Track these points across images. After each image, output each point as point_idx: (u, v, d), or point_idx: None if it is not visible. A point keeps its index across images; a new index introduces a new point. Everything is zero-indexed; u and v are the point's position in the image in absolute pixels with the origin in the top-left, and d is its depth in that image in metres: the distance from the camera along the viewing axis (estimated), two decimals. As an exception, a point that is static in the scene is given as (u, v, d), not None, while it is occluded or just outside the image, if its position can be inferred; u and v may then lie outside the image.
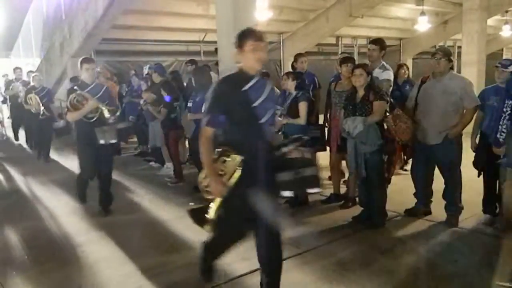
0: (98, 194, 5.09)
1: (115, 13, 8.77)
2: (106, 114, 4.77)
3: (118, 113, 5.14)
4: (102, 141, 4.72)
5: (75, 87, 4.84)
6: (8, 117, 11.94)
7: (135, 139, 9.06)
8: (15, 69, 10.66)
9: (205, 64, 7.58)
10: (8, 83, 10.32)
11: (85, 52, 10.42)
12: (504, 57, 18.59)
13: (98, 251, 4.07)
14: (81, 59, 4.98)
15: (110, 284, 3.46)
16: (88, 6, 9.16)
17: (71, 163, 7.17)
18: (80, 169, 5.07)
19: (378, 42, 4.96)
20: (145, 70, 8.24)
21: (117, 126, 5.16)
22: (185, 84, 7.34)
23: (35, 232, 4.62)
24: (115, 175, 6.94)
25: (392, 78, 4.87)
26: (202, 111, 5.66)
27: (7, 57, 16.66)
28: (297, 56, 5.83)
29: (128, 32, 10.64)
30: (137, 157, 8.38)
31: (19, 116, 9.98)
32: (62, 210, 5.32)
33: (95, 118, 4.75)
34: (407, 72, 6.57)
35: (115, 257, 3.94)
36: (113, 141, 4.92)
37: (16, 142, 10.85)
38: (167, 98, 6.15)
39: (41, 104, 7.89)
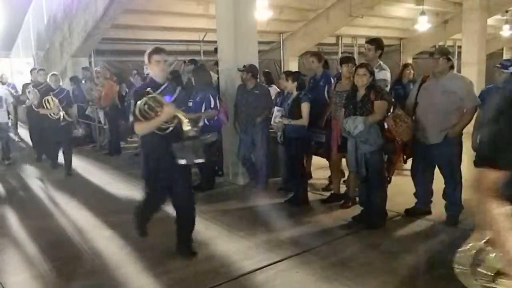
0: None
1: (115, 12, 8.77)
2: (186, 125, 3.44)
3: (201, 123, 4.33)
4: (183, 161, 3.51)
5: (148, 89, 3.55)
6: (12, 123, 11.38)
7: (135, 139, 9.05)
8: (39, 70, 8.27)
9: (201, 63, 7.59)
10: (24, 86, 8.40)
11: (85, 51, 10.43)
12: (505, 56, 18.59)
13: (99, 251, 4.06)
14: (150, 50, 3.76)
15: (111, 284, 3.46)
16: (88, 5, 9.15)
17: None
18: (145, 196, 3.90)
19: (373, 41, 4.96)
20: (146, 70, 8.23)
21: (204, 140, 4.11)
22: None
23: (35, 231, 4.62)
24: (115, 175, 7.00)
25: (388, 78, 4.87)
26: (202, 110, 5.68)
27: (7, 57, 16.65)
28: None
29: (128, 31, 10.63)
30: (138, 157, 8.37)
31: (36, 124, 8.07)
32: (65, 210, 5.32)
33: (170, 129, 3.52)
34: (412, 72, 6.58)
35: (116, 257, 3.94)
36: (199, 160, 3.66)
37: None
38: (167, 97, 6.13)
39: (60, 108, 6.74)
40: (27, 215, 5.18)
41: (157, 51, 3.72)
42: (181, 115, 3.47)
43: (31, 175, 7.26)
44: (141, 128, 3.58)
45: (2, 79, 10.23)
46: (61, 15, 11.35)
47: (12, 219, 5.07)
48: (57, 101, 6.75)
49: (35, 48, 13.83)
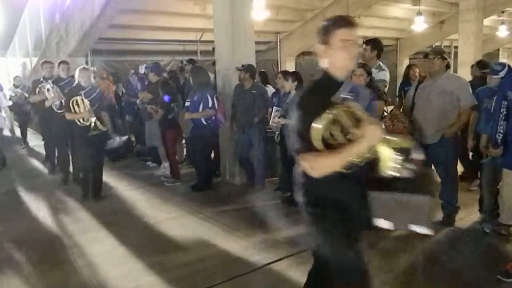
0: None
1: (111, 12, 8.74)
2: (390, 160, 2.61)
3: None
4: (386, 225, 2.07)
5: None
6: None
7: (132, 139, 9.05)
8: (43, 63, 6.84)
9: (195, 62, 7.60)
10: (35, 84, 6.76)
11: (82, 51, 10.40)
12: (500, 56, 18.68)
13: (95, 251, 4.06)
14: None
15: (107, 284, 3.46)
16: (85, 5, 9.12)
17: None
18: None
19: (369, 42, 4.97)
20: (141, 70, 8.23)
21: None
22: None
23: (33, 232, 4.61)
24: (113, 175, 6.99)
25: (388, 78, 4.88)
26: (200, 110, 5.68)
27: (3, 56, 16.58)
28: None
29: (125, 31, 10.60)
30: (134, 157, 8.37)
31: (50, 131, 6.77)
32: (59, 210, 5.31)
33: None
34: (417, 72, 6.63)
35: (112, 257, 3.94)
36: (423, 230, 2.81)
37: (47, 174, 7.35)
38: (165, 97, 6.15)
39: (93, 113, 5.34)
40: (22, 216, 5.17)
41: None
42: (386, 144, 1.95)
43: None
44: (321, 164, 2.00)
45: None
46: (57, 15, 11.31)
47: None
48: (88, 103, 5.34)
49: (31, 48, 13.78)
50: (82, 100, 5.29)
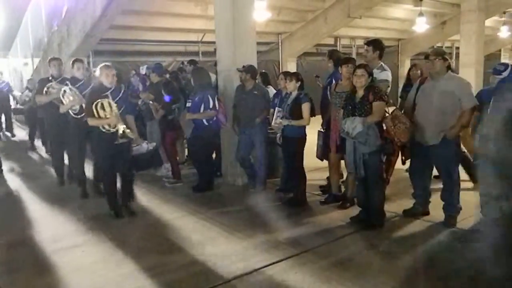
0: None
1: (113, 13, 8.76)
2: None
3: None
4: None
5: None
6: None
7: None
8: (51, 60, 6.11)
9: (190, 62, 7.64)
10: (42, 83, 5.89)
11: (84, 52, 10.42)
12: (502, 57, 18.66)
13: (97, 252, 4.06)
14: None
15: (108, 284, 3.46)
16: (87, 6, 9.14)
17: None
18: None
19: (371, 42, 4.97)
20: (142, 71, 8.22)
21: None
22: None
23: (32, 233, 4.61)
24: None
25: (390, 78, 4.88)
26: (201, 111, 5.68)
27: (5, 57, 16.61)
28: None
29: (127, 32, 10.62)
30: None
31: (61, 138, 6.03)
32: (60, 211, 5.32)
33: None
34: (418, 72, 6.61)
35: (114, 257, 3.93)
36: None
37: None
38: (167, 98, 6.15)
39: (120, 119, 4.65)
40: (21, 217, 5.18)
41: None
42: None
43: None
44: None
45: None
46: (59, 16, 11.33)
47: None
48: (116, 106, 4.63)
49: (33, 49, 13.81)
50: (109, 103, 4.55)
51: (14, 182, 6.84)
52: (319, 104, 5.49)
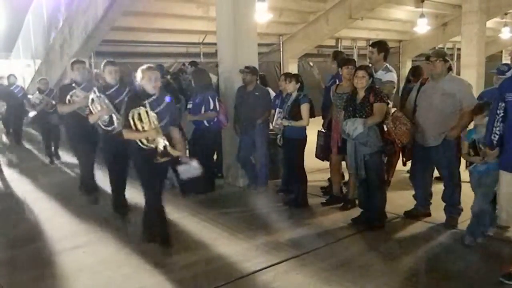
0: None
1: (115, 14, 8.78)
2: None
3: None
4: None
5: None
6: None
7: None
8: (74, 63, 5.56)
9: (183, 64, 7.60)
10: (64, 90, 5.31)
11: (85, 53, 10.43)
12: (503, 59, 18.62)
13: (99, 252, 4.07)
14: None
15: (110, 285, 3.47)
16: (88, 7, 9.17)
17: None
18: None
19: (375, 44, 4.99)
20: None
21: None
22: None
23: (34, 233, 4.62)
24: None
25: (395, 79, 4.89)
26: (202, 112, 5.69)
27: (7, 58, 16.63)
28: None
29: (128, 33, 10.64)
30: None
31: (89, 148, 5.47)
32: (61, 211, 5.32)
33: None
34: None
35: (116, 258, 3.94)
36: None
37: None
38: (167, 99, 6.15)
39: (161, 133, 3.78)
40: (24, 218, 5.19)
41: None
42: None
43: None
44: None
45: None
46: (61, 17, 11.37)
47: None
48: (155, 117, 3.80)
49: (35, 50, 13.84)
50: (147, 112, 3.75)
51: (15, 182, 6.87)
52: (321, 105, 5.50)
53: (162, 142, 3.72)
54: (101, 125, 4.77)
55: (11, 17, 18.19)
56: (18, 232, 4.67)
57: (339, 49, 14.06)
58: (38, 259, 3.97)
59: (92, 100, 4.67)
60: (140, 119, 3.74)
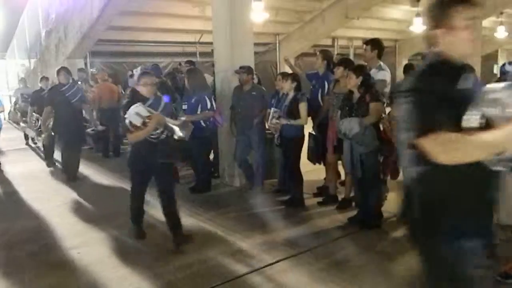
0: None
1: (110, 14, 8.76)
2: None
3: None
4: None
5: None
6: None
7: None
8: (142, 77, 4.06)
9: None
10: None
11: (81, 53, 10.42)
12: (500, 58, 18.68)
13: (95, 253, 4.05)
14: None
15: (107, 285, 3.45)
16: (84, 7, 9.14)
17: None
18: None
19: (369, 42, 4.98)
20: (137, 72, 8.16)
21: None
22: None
23: (30, 234, 4.59)
24: (111, 177, 6.99)
25: (387, 78, 4.88)
26: (198, 112, 5.67)
27: (2, 58, 16.58)
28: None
29: (124, 33, 10.62)
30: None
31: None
32: (58, 212, 5.30)
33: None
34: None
35: (112, 258, 3.93)
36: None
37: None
38: (166, 99, 6.12)
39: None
40: (20, 217, 5.17)
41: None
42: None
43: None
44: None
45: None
46: (56, 17, 11.33)
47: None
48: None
49: (30, 50, 13.79)
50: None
51: (16, 182, 6.84)
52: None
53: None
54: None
55: (6, 17, 18.12)
56: (14, 233, 4.64)
57: (335, 49, 14.10)
58: (33, 260, 3.94)
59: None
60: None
